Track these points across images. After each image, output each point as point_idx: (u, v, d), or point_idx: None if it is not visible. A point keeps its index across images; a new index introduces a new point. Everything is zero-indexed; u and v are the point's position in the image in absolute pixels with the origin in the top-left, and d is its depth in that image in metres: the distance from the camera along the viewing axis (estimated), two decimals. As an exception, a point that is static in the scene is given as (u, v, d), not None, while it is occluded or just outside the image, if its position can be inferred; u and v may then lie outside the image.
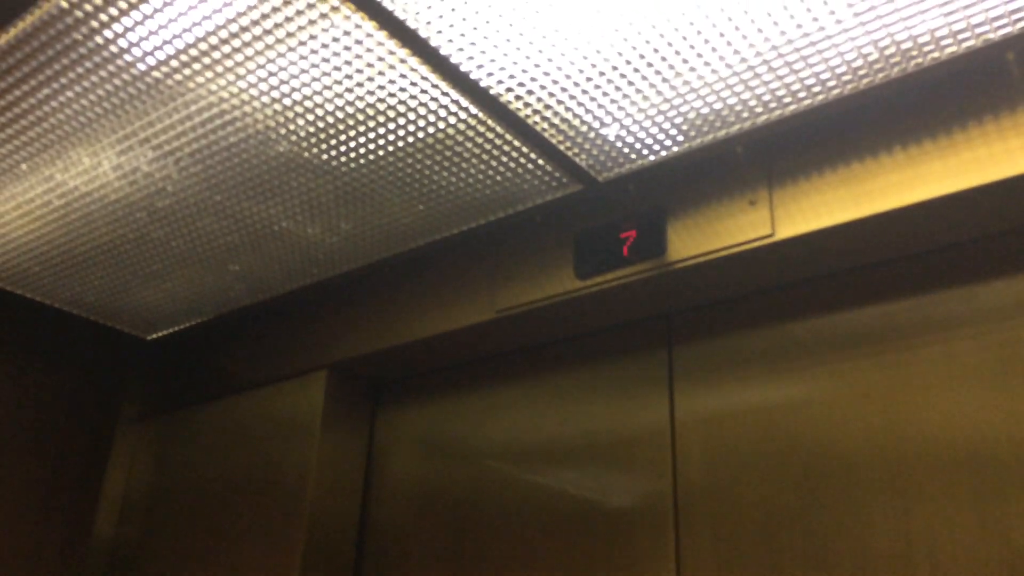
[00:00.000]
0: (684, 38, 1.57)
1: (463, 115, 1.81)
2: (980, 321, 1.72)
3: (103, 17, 1.59)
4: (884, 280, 1.87)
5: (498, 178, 2.03)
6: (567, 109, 1.78)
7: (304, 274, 2.55)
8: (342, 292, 2.67)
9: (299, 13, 1.55)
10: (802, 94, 1.70)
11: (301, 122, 1.85)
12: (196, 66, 1.70)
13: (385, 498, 2.57)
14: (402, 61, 1.66)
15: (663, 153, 1.91)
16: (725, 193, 1.92)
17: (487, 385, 2.49)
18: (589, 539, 2.09)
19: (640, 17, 1.53)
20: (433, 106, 1.79)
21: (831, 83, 1.67)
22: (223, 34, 1.61)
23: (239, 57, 1.67)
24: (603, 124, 1.82)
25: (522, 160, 1.96)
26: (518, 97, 1.75)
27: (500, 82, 1.71)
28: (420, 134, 1.88)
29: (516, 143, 1.90)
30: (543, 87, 1.72)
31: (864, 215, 1.71)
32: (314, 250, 2.40)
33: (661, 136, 1.85)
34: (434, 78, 1.71)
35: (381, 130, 1.87)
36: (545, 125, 1.83)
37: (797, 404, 1.88)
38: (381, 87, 1.74)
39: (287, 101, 1.79)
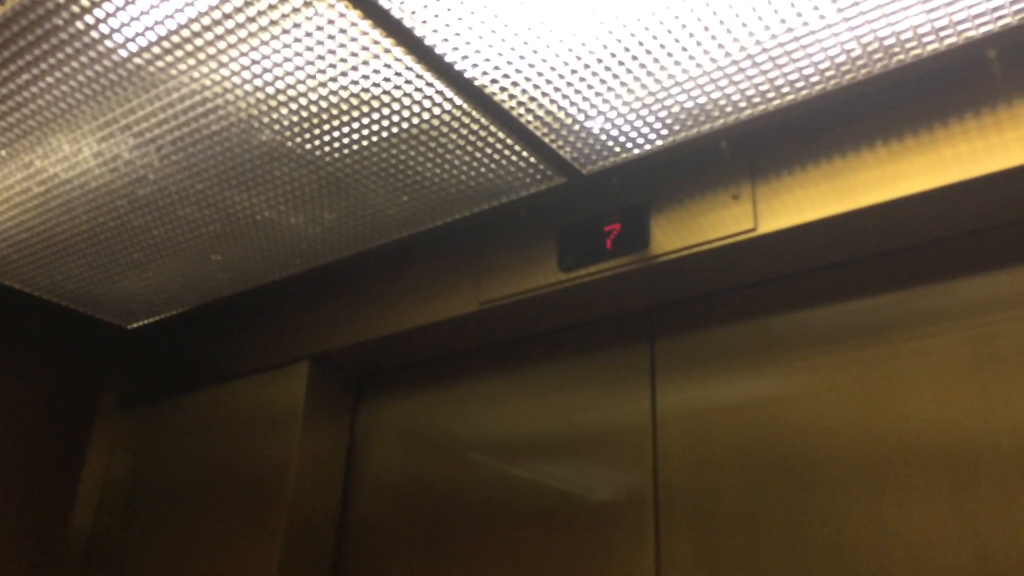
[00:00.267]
0: (669, 32, 1.58)
1: (447, 106, 1.81)
2: (958, 316, 1.73)
3: (84, 2, 1.57)
4: (865, 275, 1.88)
5: (482, 170, 2.03)
6: (552, 101, 1.78)
7: (287, 264, 2.54)
8: (325, 283, 2.66)
9: (283, 1, 1.54)
10: (785, 89, 1.71)
11: (284, 111, 1.84)
12: (178, 53, 1.68)
13: (366, 490, 2.56)
14: (386, 51, 1.66)
15: (647, 147, 1.91)
16: (708, 187, 1.93)
17: (470, 377, 2.49)
18: (570, 531, 2.10)
19: (625, 10, 1.53)
20: (417, 97, 1.78)
21: (814, 79, 1.68)
22: (206, 21, 1.60)
23: (222, 44, 1.66)
24: (588, 117, 1.82)
25: (506, 152, 1.96)
26: (503, 89, 1.75)
27: (485, 73, 1.70)
28: (404, 125, 1.87)
29: (500, 135, 1.90)
30: (528, 79, 1.72)
31: (846, 210, 1.72)
32: (297, 240, 2.39)
33: (645, 130, 1.85)
34: (419, 68, 1.70)
35: (365, 120, 1.86)
36: (530, 117, 1.83)
37: (777, 398, 1.90)
38: (365, 77, 1.73)
39: (270, 90, 1.78)
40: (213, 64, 1.71)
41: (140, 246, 2.45)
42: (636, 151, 1.93)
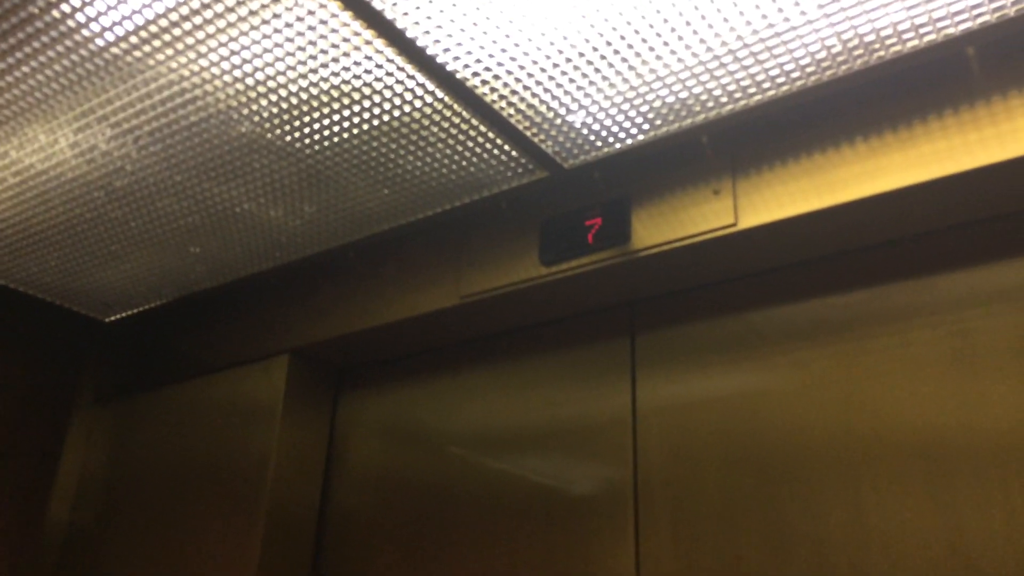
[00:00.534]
0: (651, 27, 1.57)
1: (429, 99, 1.80)
2: (936, 312, 1.75)
3: (60, -10, 1.55)
4: (844, 271, 1.89)
5: (463, 163, 2.02)
6: (534, 95, 1.77)
7: (266, 257, 2.52)
8: (305, 276, 2.64)
9: (263, -9, 1.53)
10: (766, 85, 1.71)
11: (264, 102, 1.83)
12: (156, 43, 1.66)
13: (346, 484, 2.56)
14: (367, 43, 1.65)
15: (629, 141, 1.91)
16: (689, 182, 1.93)
17: (450, 371, 2.48)
18: (550, 525, 2.10)
19: (607, 5, 1.53)
20: (399, 89, 1.77)
21: (795, 74, 1.68)
22: (184, 10, 1.58)
23: (200, 34, 1.64)
24: (569, 111, 1.82)
25: (488, 146, 1.95)
26: (485, 82, 1.74)
27: (467, 66, 1.70)
28: (385, 117, 1.86)
29: (482, 128, 1.89)
30: (510, 73, 1.71)
31: (826, 206, 1.73)
32: (277, 233, 2.37)
33: (627, 124, 1.85)
34: (400, 61, 1.69)
35: (346, 112, 1.85)
36: (511, 111, 1.82)
37: (757, 393, 1.91)
38: (346, 68, 1.72)
39: (249, 81, 1.76)
40: (192, 54, 1.69)
41: (117, 238, 2.42)
42: (617, 146, 1.93)
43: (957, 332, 1.71)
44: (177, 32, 1.63)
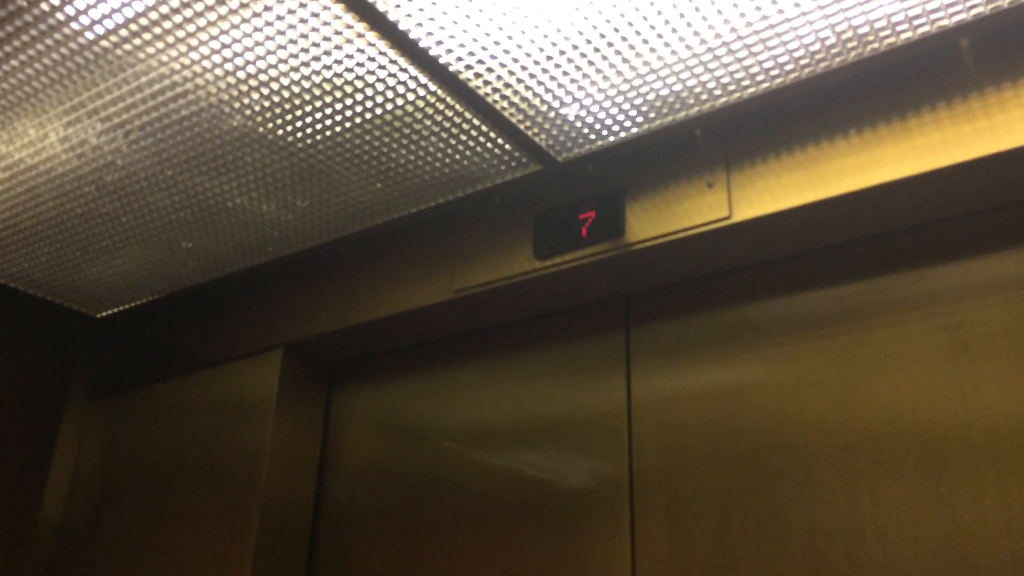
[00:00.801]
0: (645, 19, 1.57)
1: (422, 92, 1.79)
2: (930, 304, 1.75)
3: (48, -17, 1.54)
4: (838, 263, 1.89)
5: (457, 157, 2.01)
6: (527, 88, 1.77)
7: (259, 252, 2.51)
8: (298, 271, 2.63)
9: (254, -17, 1.52)
10: (760, 78, 1.71)
11: (255, 96, 1.82)
12: (146, 36, 1.65)
13: (340, 479, 2.55)
14: (360, 35, 1.64)
15: (623, 134, 1.91)
16: (683, 175, 1.93)
17: (444, 366, 2.48)
18: (545, 519, 2.10)
19: (601, -4, 1.52)
20: (391, 82, 1.76)
21: (789, 67, 1.68)
22: (174, 3, 1.57)
23: (191, 27, 1.63)
24: (563, 104, 1.81)
25: (481, 139, 1.95)
26: (478, 75, 1.73)
27: (460, 59, 1.69)
28: (378, 111, 1.85)
29: (475, 122, 1.88)
30: (503, 65, 1.70)
31: (820, 198, 1.73)
32: (269, 228, 2.36)
33: (621, 117, 1.85)
34: (392, 54, 1.68)
35: (338, 106, 1.84)
36: (505, 104, 1.82)
37: (751, 385, 1.91)
38: (338, 62, 1.71)
39: (241, 74, 1.75)
40: (182, 47, 1.68)
41: (109, 233, 2.41)
42: (611, 139, 1.92)
43: (951, 324, 1.71)
44: (167, 25, 1.62)
